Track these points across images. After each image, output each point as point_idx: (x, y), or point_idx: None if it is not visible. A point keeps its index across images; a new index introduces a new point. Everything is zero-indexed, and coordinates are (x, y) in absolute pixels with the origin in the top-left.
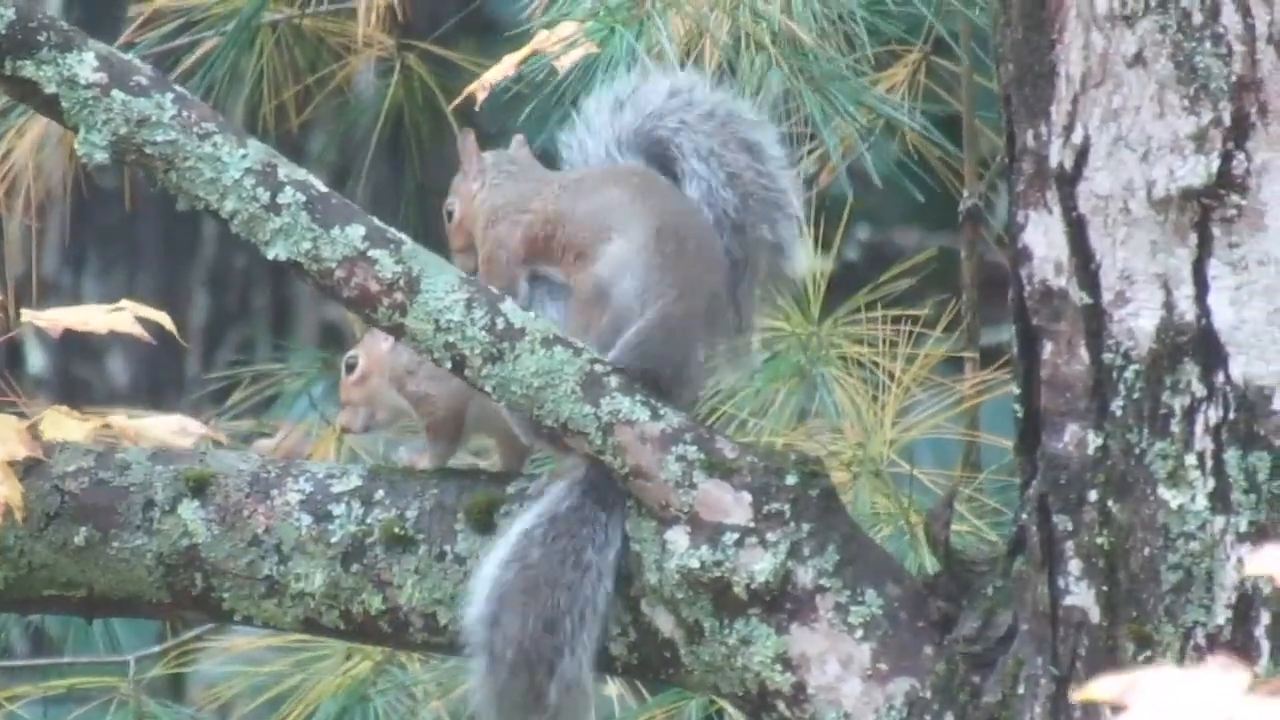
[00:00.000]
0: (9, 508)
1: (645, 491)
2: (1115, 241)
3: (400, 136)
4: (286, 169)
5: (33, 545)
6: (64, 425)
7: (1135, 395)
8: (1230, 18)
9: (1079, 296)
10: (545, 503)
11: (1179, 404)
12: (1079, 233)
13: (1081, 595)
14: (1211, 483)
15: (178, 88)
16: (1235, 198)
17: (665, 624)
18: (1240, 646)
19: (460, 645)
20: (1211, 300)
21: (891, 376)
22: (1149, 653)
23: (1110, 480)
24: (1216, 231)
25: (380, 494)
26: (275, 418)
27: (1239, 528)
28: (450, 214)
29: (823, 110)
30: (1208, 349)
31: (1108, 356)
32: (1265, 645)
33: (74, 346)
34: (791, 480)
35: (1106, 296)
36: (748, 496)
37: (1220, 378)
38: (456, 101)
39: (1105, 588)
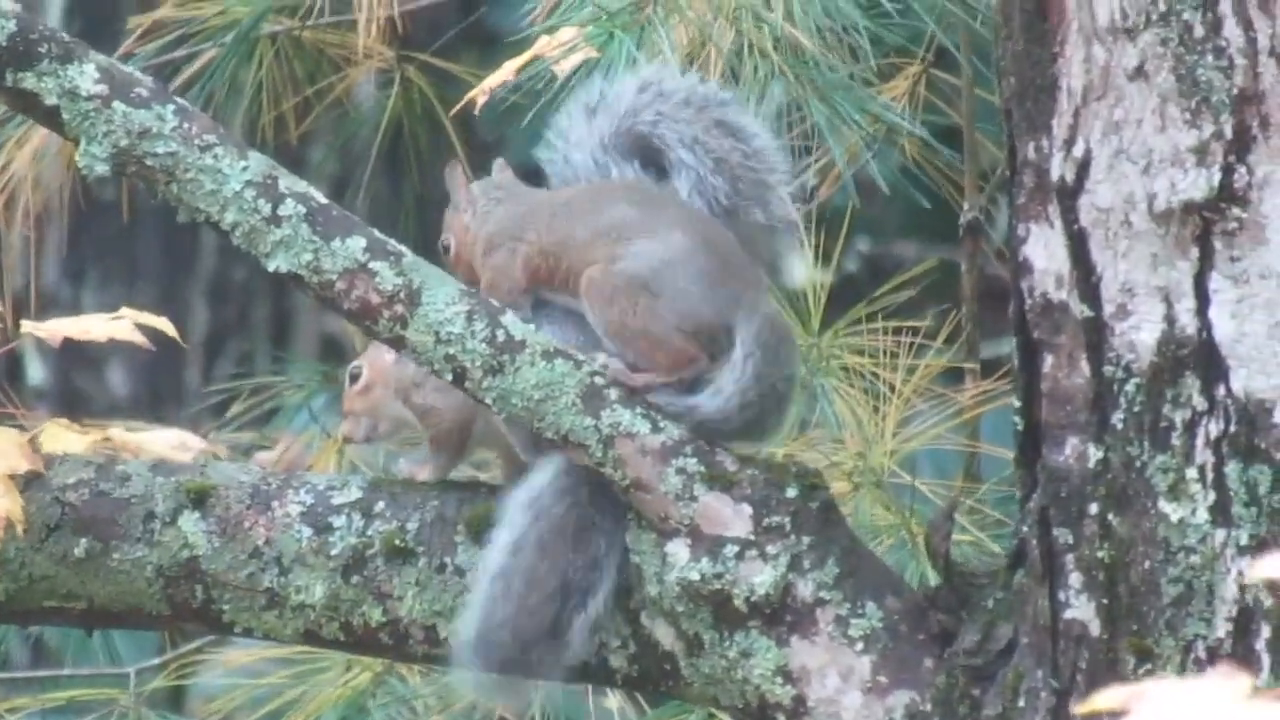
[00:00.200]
0: (9, 521)
1: (645, 504)
2: (1116, 254)
3: (400, 148)
4: (287, 181)
5: (33, 557)
6: (63, 438)
7: (1136, 408)
8: (1232, 31)
9: (1080, 309)
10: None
11: (1180, 417)
12: (1080, 246)
13: (1082, 608)
14: (1212, 496)
15: (179, 100)
16: (1236, 211)
17: (665, 636)
18: (1241, 659)
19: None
20: (1212, 313)
21: (892, 388)
22: (1149, 666)
23: (1111, 493)
24: (1218, 245)
25: (381, 506)
26: (275, 430)
27: (1239, 541)
28: (447, 249)
29: (827, 119)
30: (1209, 362)
31: (1108, 369)
32: (1266, 658)
33: (73, 358)
34: (792, 493)
35: (1107, 309)
36: (748, 509)
37: (1221, 391)
38: (457, 108)
39: (1106, 601)
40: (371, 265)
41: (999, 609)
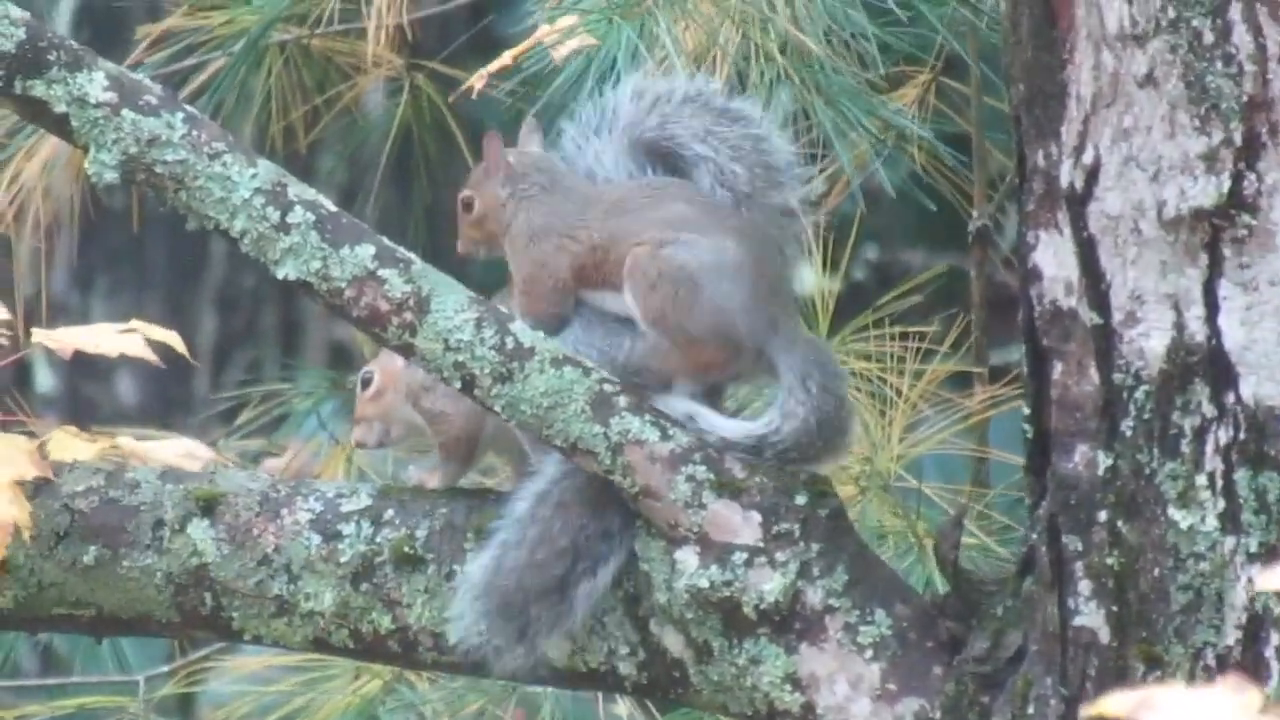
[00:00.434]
0: (18, 528)
1: (654, 511)
2: (1125, 262)
3: (409, 156)
4: (296, 188)
5: (42, 564)
6: (71, 446)
7: (1145, 416)
8: (1242, 38)
9: (1089, 317)
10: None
11: (1189, 424)
12: (1089, 253)
13: (1091, 615)
14: (1221, 503)
15: (188, 107)
16: (1246, 218)
17: (674, 644)
18: (1250, 667)
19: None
20: (1222, 321)
21: (898, 392)
22: (1158, 673)
23: (1120, 501)
24: (1227, 252)
25: (390, 513)
26: (284, 437)
27: (1249, 548)
28: (469, 206)
29: (834, 123)
30: (1218, 369)
31: (1118, 377)
32: (1275, 666)
33: (82, 366)
34: (801, 500)
35: (1117, 317)
36: (757, 516)
37: (1231, 398)
38: (455, 96)
39: (1115, 608)
40: (380, 272)
41: (1008, 616)
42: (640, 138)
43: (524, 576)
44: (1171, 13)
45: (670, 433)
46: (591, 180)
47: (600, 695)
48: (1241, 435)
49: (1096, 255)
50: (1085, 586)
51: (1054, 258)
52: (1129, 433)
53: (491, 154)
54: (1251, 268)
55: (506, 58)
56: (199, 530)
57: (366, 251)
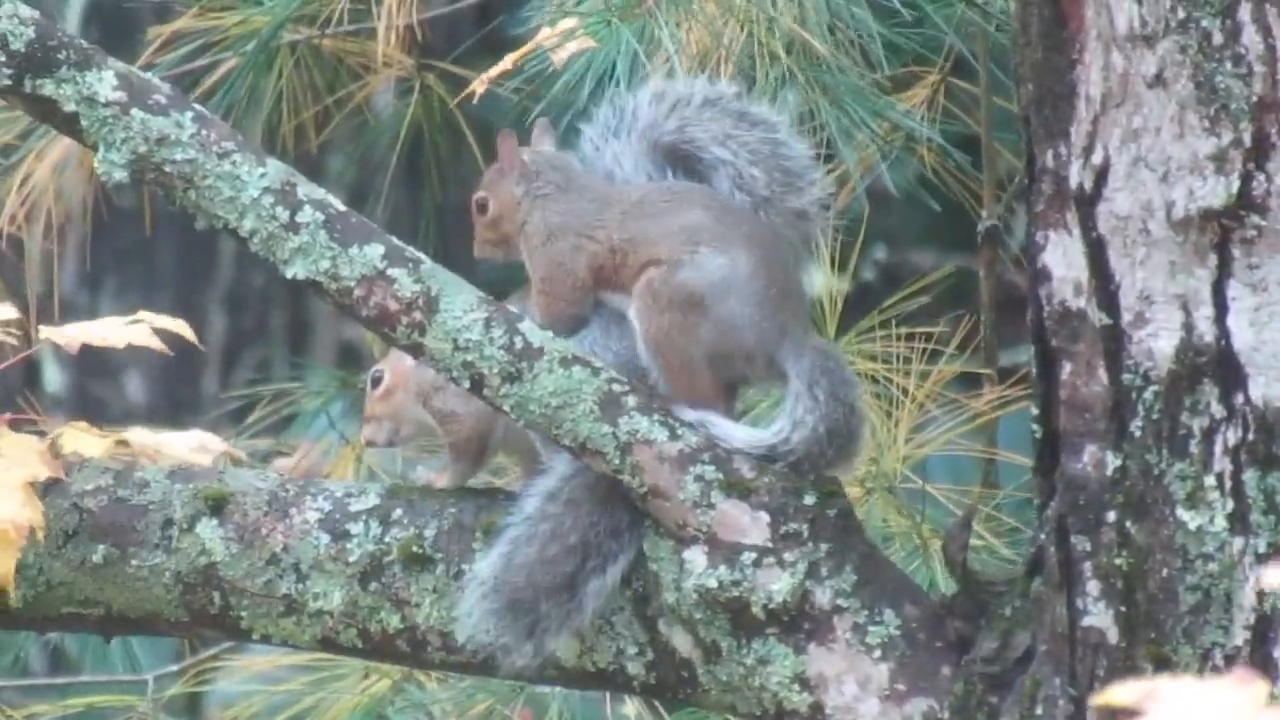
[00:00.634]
0: (30, 527)
1: (663, 511)
2: (1134, 262)
3: (419, 156)
4: (305, 188)
5: (51, 563)
6: (82, 441)
7: (1154, 416)
8: (1251, 38)
9: (1098, 317)
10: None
11: (1198, 425)
12: (1098, 253)
13: (1100, 616)
14: (1230, 504)
15: (197, 106)
16: (1255, 219)
17: (683, 643)
18: (1258, 667)
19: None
20: (1231, 321)
21: (905, 392)
22: (1167, 673)
23: (1129, 501)
24: (1236, 252)
25: (398, 513)
26: (293, 437)
27: (1258, 549)
28: (484, 207)
29: (839, 121)
30: (1227, 370)
31: (1127, 377)
32: None
33: (91, 365)
34: (809, 500)
35: (1126, 317)
36: (765, 516)
37: (1239, 399)
38: (457, 100)
39: (1123, 608)
40: (390, 272)
41: (1017, 617)
42: (659, 141)
43: (534, 573)
44: (1181, 13)
45: (679, 432)
46: (610, 181)
47: (608, 695)
48: (1250, 436)
49: (1105, 256)
50: (1094, 587)
51: (1063, 258)
52: (1138, 433)
53: (506, 153)
54: (1261, 268)
55: (507, 62)
56: (208, 529)
57: (376, 251)
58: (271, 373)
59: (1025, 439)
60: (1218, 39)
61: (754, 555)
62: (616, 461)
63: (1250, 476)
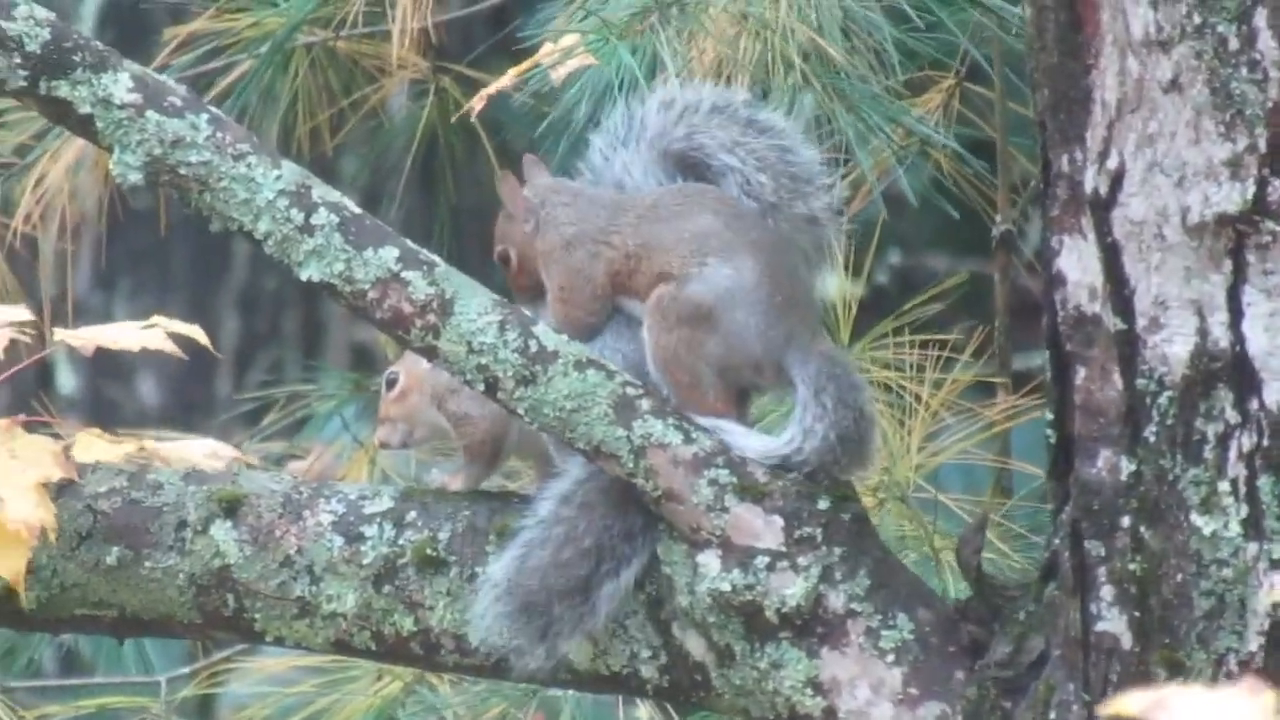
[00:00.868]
0: (42, 529)
1: (677, 515)
2: (1149, 267)
3: (434, 159)
4: (320, 190)
5: (65, 565)
6: (96, 448)
7: (1168, 421)
8: (1266, 44)
9: (1113, 322)
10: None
11: (1212, 430)
12: (1113, 258)
13: (1113, 621)
14: (1244, 509)
15: (212, 108)
16: (1270, 224)
17: (696, 647)
18: (1272, 673)
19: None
20: (1245, 327)
21: (919, 400)
22: (1181, 679)
23: (1143, 506)
24: (1251, 258)
25: (412, 515)
26: (307, 440)
27: (1272, 554)
28: (506, 259)
29: (855, 129)
30: (1241, 375)
31: (1141, 382)
32: None
33: (104, 367)
34: (823, 504)
35: (1140, 322)
36: (779, 520)
37: (1254, 404)
38: (455, 117)
39: (1137, 614)
40: (404, 275)
41: (1030, 621)
42: (668, 149)
43: (548, 576)
44: (1196, 19)
45: (693, 436)
46: (620, 189)
47: (620, 699)
48: (1264, 441)
49: (1120, 261)
50: (1108, 592)
51: (1078, 263)
52: (1152, 438)
53: (510, 195)
54: (1275, 274)
55: (508, 78)
56: (221, 531)
57: (390, 254)
58: (285, 375)
59: (1038, 448)
60: (1233, 44)
61: (768, 559)
62: (630, 465)
63: (1265, 482)
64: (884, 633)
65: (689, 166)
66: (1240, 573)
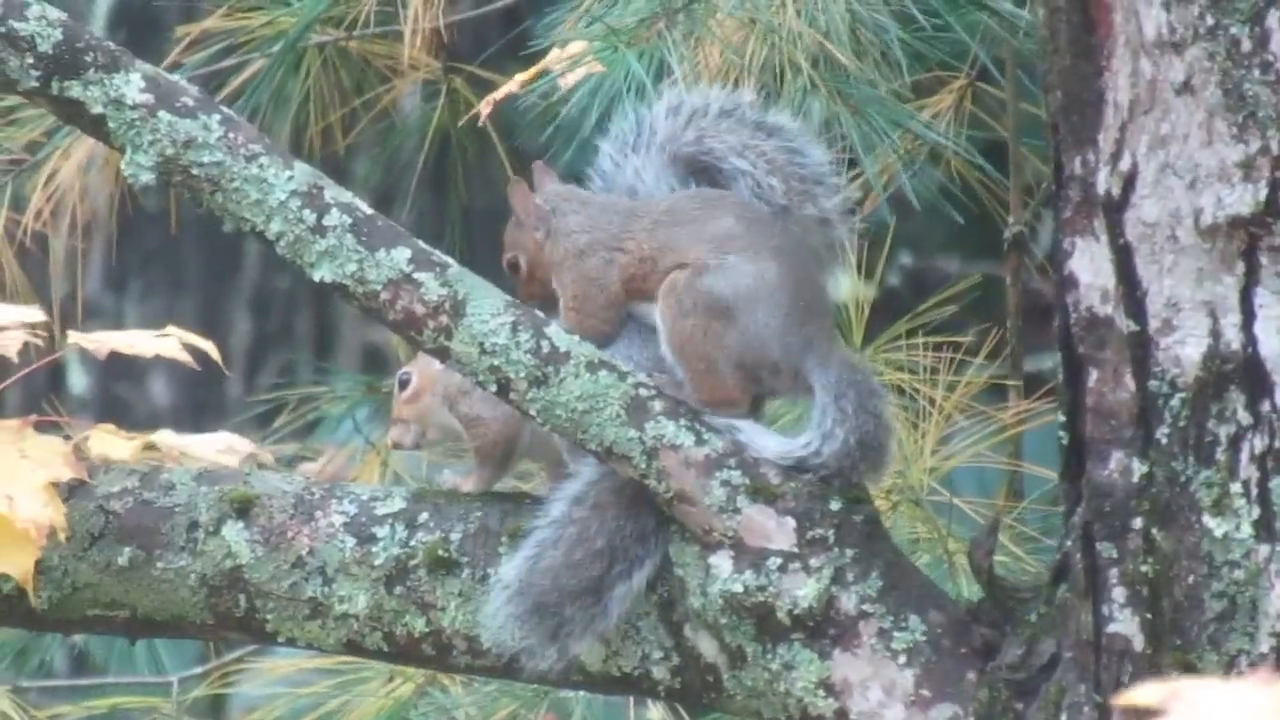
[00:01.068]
0: (52, 529)
1: (689, 516)
2: (1162, 269)
3: (446, 159)
4: (332, 191)
5: (76, 565)
6: (109, 443)
7: (1180, 423)
8: (1279, 45)
9: (1125, 324)
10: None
11: (1224, 432)
12: (1125, 260)
13: (1125, 623)
14: (1256, 511)
15: (224, 109)
16: None
17: (708, 649)
18: None
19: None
20: (1258, 329)
21: (932, 403)
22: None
23: (1155, 508)
24: (1264, 260)
25: (424, 517)
26: (318, 441)
27: None
28: (516, 266)
29: (859, 130)
30: (1253, 377)
31: (1153, 384)
32: None
33: (116, 368)
34: (835, 506)
35: (1153, 324)
36: (791, 522)
37: (1266, 406)
38: (463, 121)
39: (1149, 615)
40: (416, 276)
41: (1042, 623)
42: (678, 153)
43: (560, 576)
44: (1209, 20)
45: (705, 437)
46: (633, 195)
47: (632, 700)
48: (1276, 443)
49: (1133, 263)
50: (1119, 594)
51: (1090, 265)
52: (1164, 440)
53: (520, 202)
54: None
55: (514, 84)
56: (233, 532)
57: (402, 255)
58: (296, 377)
59: (1050, 451)
60: (1246, 46)
61: (780, 560)
62: (642, 466)
63: (1276, 484)
64: (896, 634)
65: (699, 171)
66: (1252, 574)
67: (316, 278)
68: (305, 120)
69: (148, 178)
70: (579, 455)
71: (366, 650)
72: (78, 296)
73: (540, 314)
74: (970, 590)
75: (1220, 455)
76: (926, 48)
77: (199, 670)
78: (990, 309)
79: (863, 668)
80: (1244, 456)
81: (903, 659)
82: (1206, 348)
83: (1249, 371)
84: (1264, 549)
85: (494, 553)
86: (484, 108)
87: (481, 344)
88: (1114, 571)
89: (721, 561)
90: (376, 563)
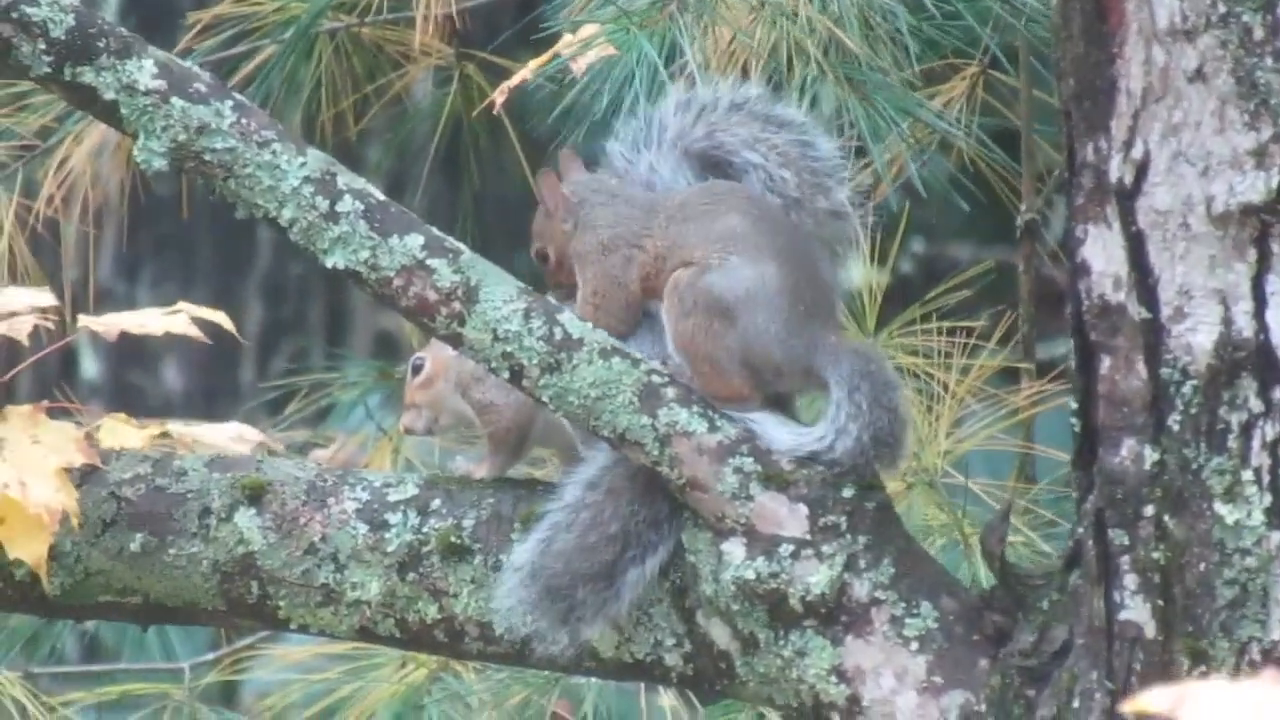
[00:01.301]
0: (65, 515)
1: (702, 503)
2: (1174, 257)
3: (458, 146)
4: (345, 178)
5: (89, 551)
6: (121, 433)
7: (1193, 411)
8: None
9: (1137, 312)
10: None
11: (1236, 420)
12: (1138, 248)
13: (1137, 610)
14: (1268, 498)
15: (237, 95)
16: None
17: (721, 635)
18: None
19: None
20: (1270, 316)
21: (945, 388)
22: (1204, 668)
23: (1167, 495)
24: (1275, 247)
25: (437, 503)
26: (330, 428)
27: None
28: (545, 257)
29: (868, 118)
30: (1265, 365)
31: (1165, 372)
32: None
33: (128, 354)
34: (848, 493)
35: (1165, 312)
36: (804, 509)
37: (1277, 393)
38: (476, 111)
39: (1161, 602)
40: (429, 262)
41: (1054, 610)
42: (690, 149)
43: (572, 560)
44: (1222, 8)
45: (718, 424)
46: (651, 189)
47: (643, 687)
48: None
49: (1145, 250)
50: (1131, 581)
51: (1103, 252)
52: (1176, 427)
53: (549, 192)
54: None
55: (527, 71)
56: (246, 519)
57: (415, 241)
58: (309, 363)
59: (1063, 434)
60: (1258, 34)
61: (792, 547)
62: (655, 453)
63: None
64: (908, 621)
65: (713, 165)
66: (1263, 561)
67: (329, 264)
68: (317, 107)
69: (160, 164)
70: (592, 442)
71: (379, 637)
72: (89, 283)
73: (553, 300)
74: (986, 573)
75: (1232, 442)
76: (938, 34)
77: (211, 657)
78: (1003, 295)
79: (875, 654)
80: (1255, 444)
81: (915, 646)
82: (1218, 335)
83: (1261, 359)
84: (1275, 536)
85: (507, 539)
86: (498, 96)
87: (494, 330)
88: (1126, 559)
89: (734, 548)
90: (389, 549)
